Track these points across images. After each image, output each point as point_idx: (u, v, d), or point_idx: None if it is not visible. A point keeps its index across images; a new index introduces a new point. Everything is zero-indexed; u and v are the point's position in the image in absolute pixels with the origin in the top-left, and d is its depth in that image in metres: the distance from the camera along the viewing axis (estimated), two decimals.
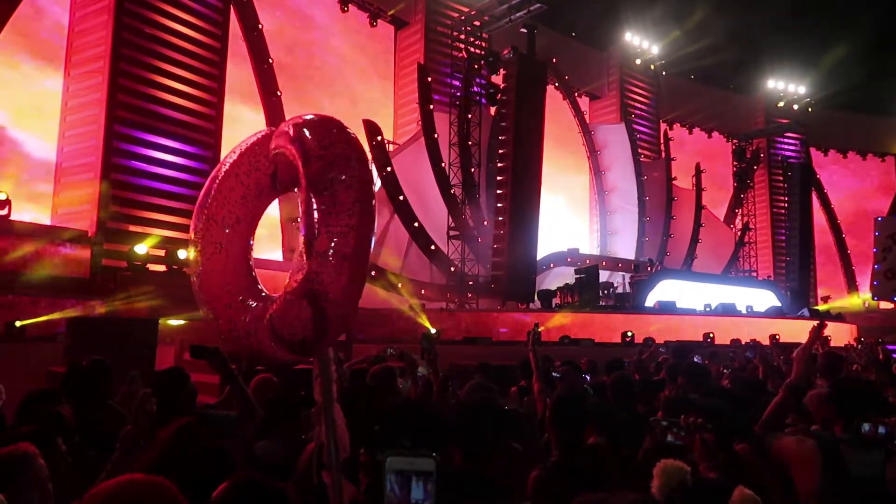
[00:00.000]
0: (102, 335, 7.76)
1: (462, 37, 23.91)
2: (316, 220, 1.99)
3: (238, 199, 2.27)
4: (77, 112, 16.02)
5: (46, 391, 3.68)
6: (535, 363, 4.98)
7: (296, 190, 2.19)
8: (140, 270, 14.21)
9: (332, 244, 1.97)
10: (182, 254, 14.78)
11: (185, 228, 16.24)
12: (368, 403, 3.00)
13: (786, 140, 36.17)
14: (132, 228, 15.37)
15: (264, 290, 2.28)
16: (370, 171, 2.09)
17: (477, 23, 23.77)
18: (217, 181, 2.28)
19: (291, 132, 2.15)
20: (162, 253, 14.77)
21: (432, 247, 21.09)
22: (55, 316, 11.16)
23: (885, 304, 27.22)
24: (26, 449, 2.13)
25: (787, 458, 2.58)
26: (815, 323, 3.20)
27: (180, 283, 14.43)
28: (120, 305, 12.16)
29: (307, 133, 2.11)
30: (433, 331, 15.09)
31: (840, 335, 20.80)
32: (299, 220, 2.07)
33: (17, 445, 2.13)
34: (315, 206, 2.02)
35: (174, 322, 11.10)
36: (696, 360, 7.46)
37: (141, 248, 14.30)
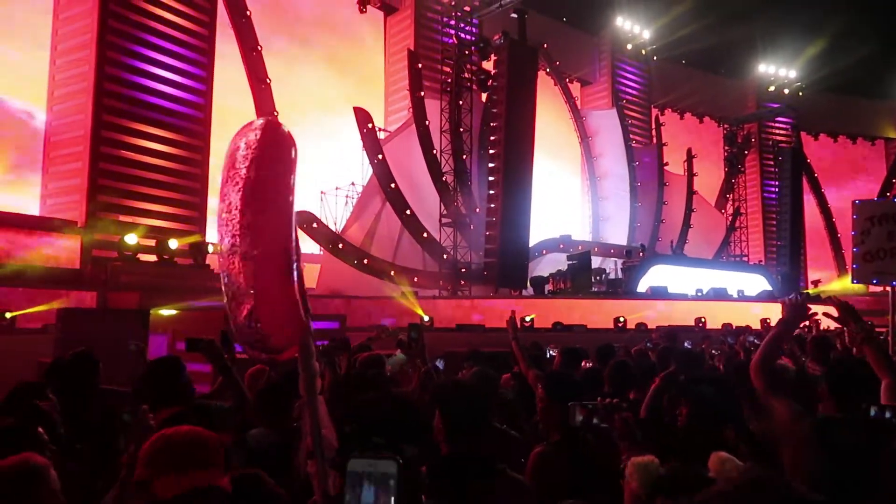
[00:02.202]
0: (93, 326, 7.72)
1: (452, 22, 23.75)
2: (218, 223, 2.02)
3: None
4: (63, 101, 15.85)
5: (33, 383, 3.65)
6: (520, 351, 4.98)
7: None
8: (131, 260, 14.12)
9: (231, 245, 1.98)
10: (173, 243, 14.72)
11: (175, 218, 16.31)
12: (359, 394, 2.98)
13: (776, 124, 36.24)
14: (122, 218, 15.26)
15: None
16: (275, 168, 2.08)
17: (467, 8, 23.62)
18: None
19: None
20: (152, 243, 14.67)
21: (424, 234, 21.06)
22: (44, 308, 11.09)
23: (874, 287, 27.36)
24: (35, 462, 2.06)
25: (780, 432, 2.58)
26: (789, 298, 3.13)
27: (171, 272, 14.42)
28: (111, 296, 12.09)
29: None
30: (426, 318, 15.10)
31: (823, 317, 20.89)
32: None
33: (25, 459, 2.05)
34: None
35: (165, 312, 11.04)
36: (686, 345, 7.49)
37: (131, 238, 14.20)
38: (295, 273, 2.06)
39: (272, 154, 2.08)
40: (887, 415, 2.56)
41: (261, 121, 2.21)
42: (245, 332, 2.00)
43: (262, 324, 1.98)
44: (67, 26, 16.00)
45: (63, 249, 14.22)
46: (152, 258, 14.68)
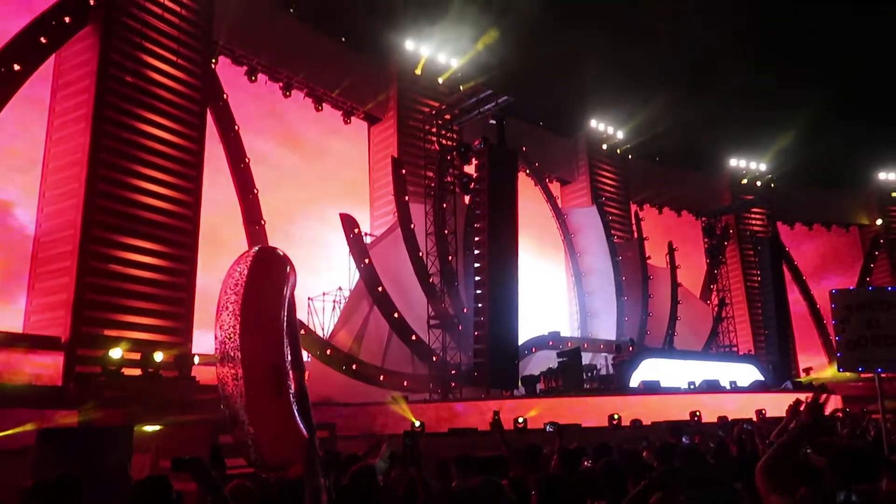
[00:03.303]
0: (74, 446, 7.47)
1: (434, 130, 24.68)
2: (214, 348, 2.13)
3: None
4: (52, 218, 16.03)
5: None
6: (507, 449, 4.89)
7: None
8: (115, 375, 13.85)
9: (226, 367, 2.07)
10: (158, 356, 14.51)
11: (160, 330, 16.15)
12: None
13: (752, 215, 37.24)
14: (107, 332, 15.09)
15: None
16: (263, 291, 2.20)
17: (448, 116, 24.61)
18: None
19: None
20: (137, 356, 14.45)
21: (413, 337, 20.94)
22: (22, 429, 10.74)
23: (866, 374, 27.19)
24: None
25: None
26: (793, 402, 3.16)
27: (156, 387, 14.13)
28: (94, 414, 11.77)
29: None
30: (416, 424, 14.76)
31: (826, 405, 20.66)
32: None
33: None
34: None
35: (150, 428, 10.74)
36: (684, 440, 7.37)
37: (116, 353, 14.00)
38: (291, 389, 2.07)
39: (260, 279, 2.15)
40: (853, 498, 2.54)
41: (255, 249, 2.31)
42: (245, 451, 2.00)
43: (258, 443, 1.98)
44: (59, 146, 16.43)
45: (46, 367, 13.96)
46: (137, 372, 14.42)
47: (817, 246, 40.09)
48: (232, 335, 2.05)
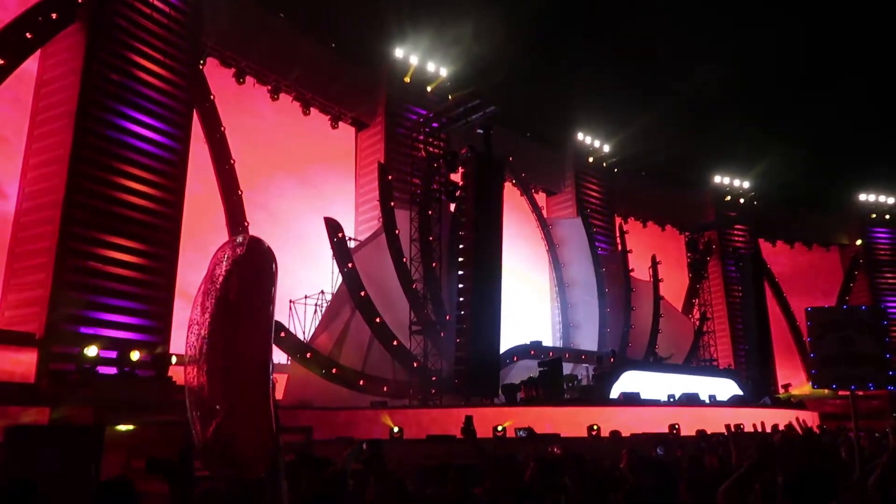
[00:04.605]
0: (42, 445, 7.32)
1: (421, 137, 24.69)
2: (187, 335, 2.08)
3: None
4: (32, 214, 15.82)
5: None
6: (481, 456, 4.87)
7: None
8: (89, 374, 13.65)
9: (200, 358, 2.03)
10: (135, 355, 14.33)
11: (138, 329, 15.96)
12: None
13: (735, 231, 37.60)
14: (83, 330, 14.88)
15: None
16: (254, 284, 2.14)
17: (435, 124, 24.63)
18: None
19: None
20: (113, 354, 14.26)
21: (394, 342, 20.84)
22: None
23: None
24: None
25: None
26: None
27: (130, 386, 13.95)
28: (66, 412, 11.59)
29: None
30: (395, 429, 14.67)
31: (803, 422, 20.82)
32: None
33: None
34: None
35: (123, 428, 10.58)
36: (659, 451, 7.37)
37: (91, 350, 13.80)
38: (270, 388, 2.04)
39: (253, 270, 2.10)
40: None
41: (243, 237, 2.27)
42: (211, 448, 1.95)
43: (233, 440, 1.93)
44: (41, 142, 16.23)
45: (19, 363, 13.73)
46: (112, 370, 14.22)
47: (799, 264, 40.52)
48: (216, 327, 2.00)
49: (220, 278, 2.08)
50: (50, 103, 16.45)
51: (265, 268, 2.15)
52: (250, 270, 2.09)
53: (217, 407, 1.92)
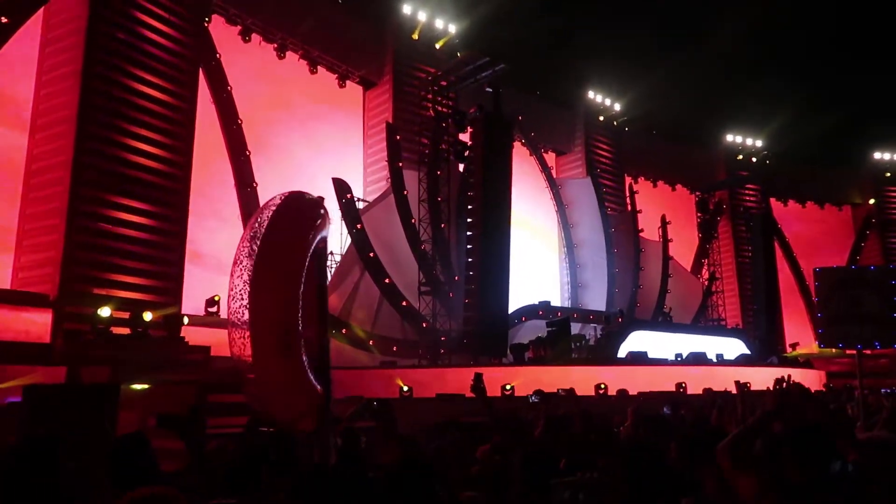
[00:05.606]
0: (61, 403, 7.47)
1: (429, 96, 24.41)
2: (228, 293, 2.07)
3: None
4: (41, 174, 15.84)
5: None
6: (490, 414, 4.94)
7: None
8: (103, 334, 13.84)
9: (237, 315, 2.04)
10: (147, 315, 14.50)
11: (150, 290, 16.11)
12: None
13: (746, 191, 37.24)
14: (96, 291, 15.03)
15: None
16: (286, 234, 2.14)
17: (443, 83, 24.33)
18: None
19: None
20: (126, 315, 14.43)
21: (403, 303, 20.99)
22: (10, 384, 10.76)
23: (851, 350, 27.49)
24: None
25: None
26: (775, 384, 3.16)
27: (144, 347, 14.14)
28: (81, 371, 11.79)
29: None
30: (405, 388, 14.89)
31: (811, 381, 21.02)
32: None
33: None
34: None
35: (137, 387, 10.77)
36: (665, 410, 7.45)
37: (104, 312, 13.96)
38: (302, 342, 2.04)
39: (281, 233, 2.10)
40: (849, 468, 2.55)
41: (280, 197, 2.27)
42: (254, 402, 1.98)
43: (263, 401, 1.96)
44: (48, 102, 16.16)
45: (34, 324, 13.92)
46: (125, 331, 14.41)
47: (810, 223, 40.22)
48: (243, 292, 2.00)
49: (257, 233, 2.08)
50: (55, 63, 16.32)
51: (300, 221, 2.16)
52: (282, 222, 2.10)
53: (250, 375, 1.96)
